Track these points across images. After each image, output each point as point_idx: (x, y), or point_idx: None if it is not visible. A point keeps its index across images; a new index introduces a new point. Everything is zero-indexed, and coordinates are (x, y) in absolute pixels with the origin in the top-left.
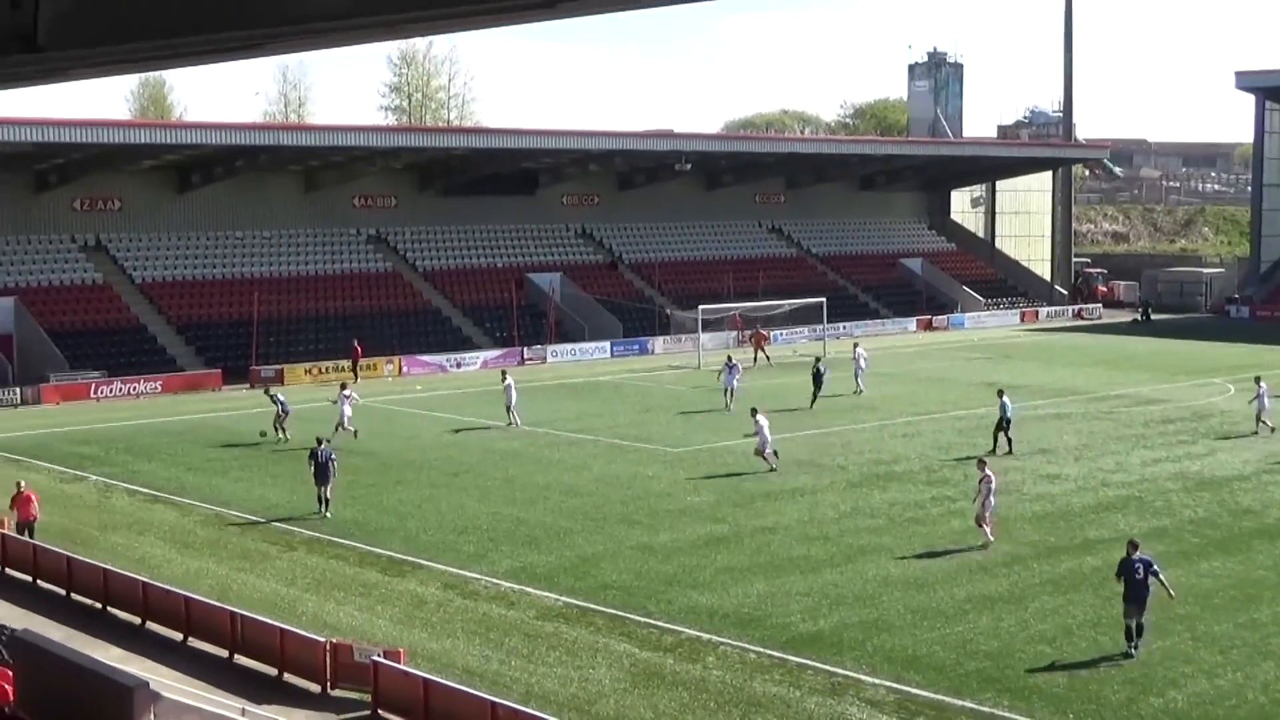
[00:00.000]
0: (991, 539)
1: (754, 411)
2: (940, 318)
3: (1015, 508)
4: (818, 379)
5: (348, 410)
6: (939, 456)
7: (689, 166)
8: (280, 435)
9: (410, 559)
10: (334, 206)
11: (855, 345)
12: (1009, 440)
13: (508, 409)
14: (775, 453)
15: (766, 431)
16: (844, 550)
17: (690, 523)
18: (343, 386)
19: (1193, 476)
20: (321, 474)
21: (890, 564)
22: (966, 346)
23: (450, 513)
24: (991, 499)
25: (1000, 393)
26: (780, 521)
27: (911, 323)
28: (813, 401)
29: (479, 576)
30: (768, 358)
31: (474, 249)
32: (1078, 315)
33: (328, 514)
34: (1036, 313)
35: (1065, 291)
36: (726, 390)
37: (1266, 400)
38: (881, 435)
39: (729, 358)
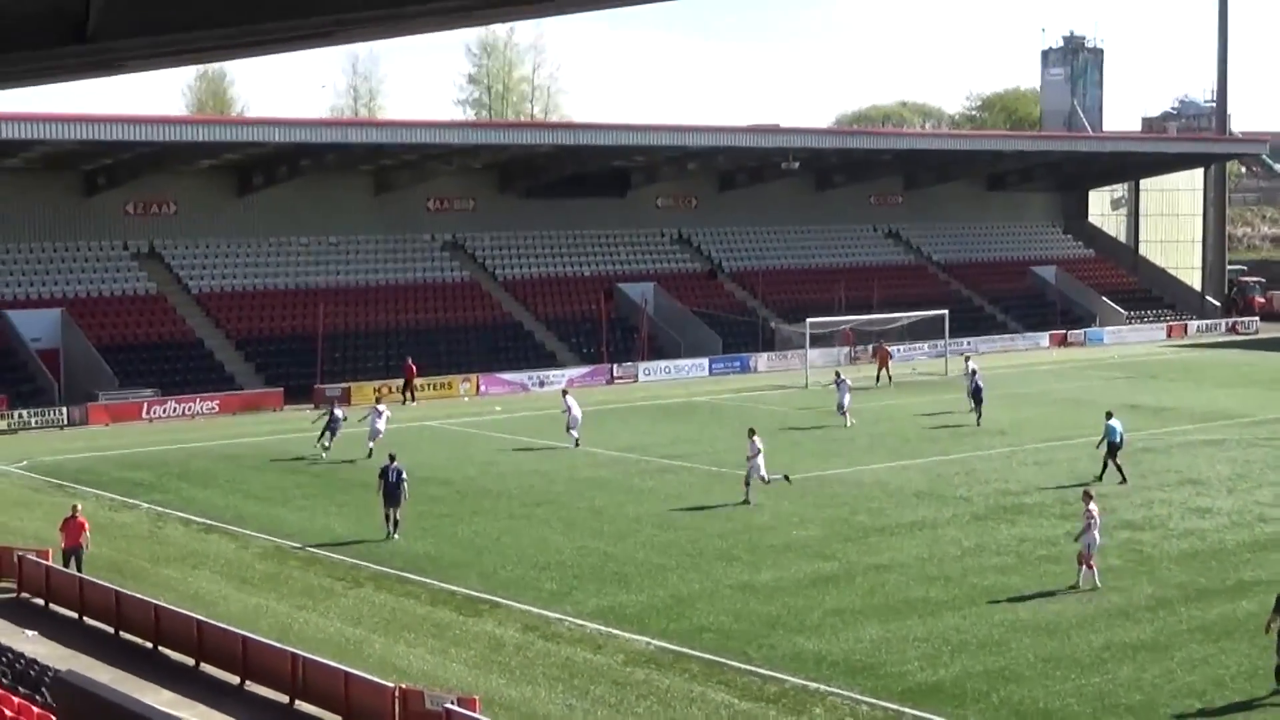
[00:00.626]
0: (1091, 582)
1: (751, 432)
2: (1076, 332)
3: (1161, 545)
4: (976, 394)
5: (380, 426)
6: (1075, 487)
7: (796, 165)
8: (323, 446)
9: (487, 597)
10: (406, 210)
11: (967, 360)
12: (1119, 468)
13: (567, 429)
14: (765, 479)
15: (760, 460)
16: (967, 591)
17: (795, 559)
18: (377, 400)
19: None
20: (390, 494)
21: (1019, 607)
22: (1106, 365)
23: (531, 547)
24: (1094, 535)
25: (1109, 415)
26: (896, 559)
27: (1044, 338)
28: (979, 418)
29: (562, 617)
30: (889, 376)
31: (559, 256)
32: (1232, 329)
33: (396, 536)
34: (1185, 327)
35: (1218, 303)
36: (841, 408)
37: None
38: (1010, 463)
39: (837, 374)
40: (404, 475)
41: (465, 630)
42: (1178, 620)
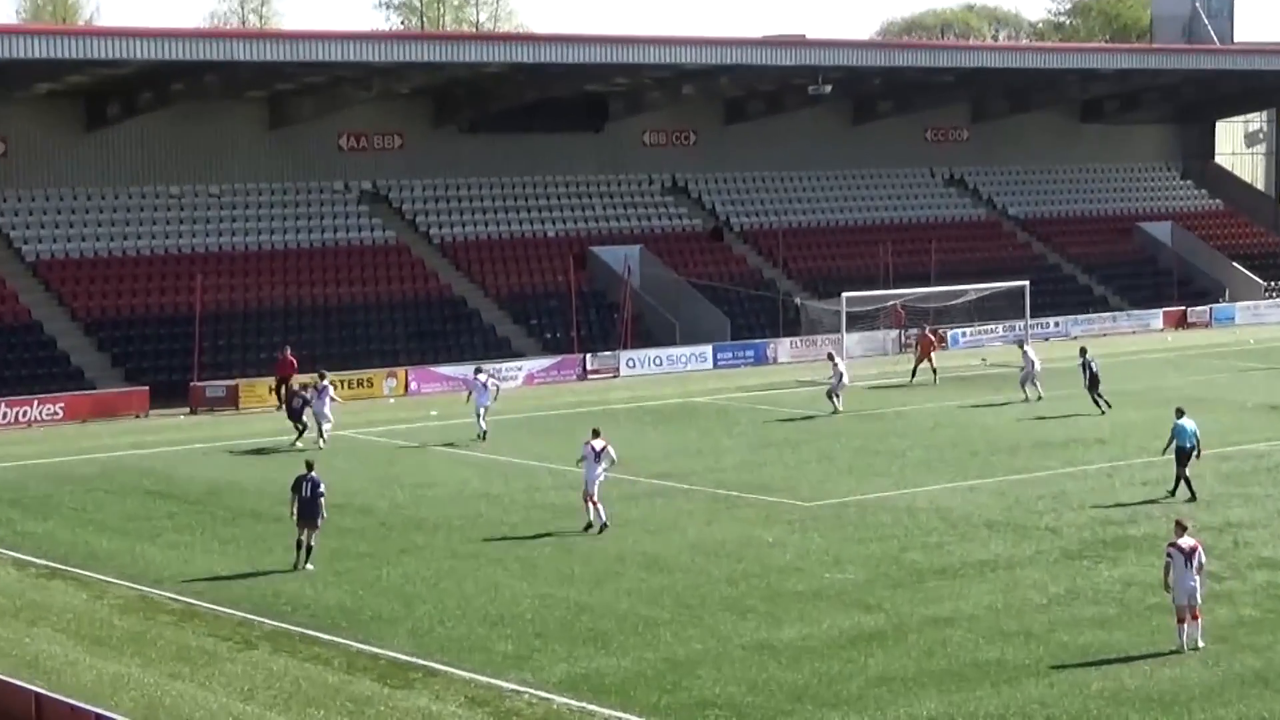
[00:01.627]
0: (1192, 641)
1: (830, 357)
2: (1199, 309)
3: None
4: (1094, 382)
5: (327, 409)
6: (1196, 514)
7: (828, 89)
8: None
9: (420, 662)
10: (311, 150)
11: (1022, 346)
12: (1188, 482)
13: (477, 415)
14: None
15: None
16: (1055, 652)
17: (829, 611)
18: (321, 376)
19: None
20: (305, 512)
21: (1124, 672)
22: (1238, 352)
23: (479, 595)
24: (1191, 580)
25: (1179, 413)
26: (961, 609)
27: (1157, 316)
28: (1102, 407)
29: (520, 688)
30: (934, 370)
31: (514, 211)
32: None
33: (308, 566)
34: None
35: None
36: (833, 393)
37: None
38: (1111, 483)
39: (830, 355)
40: (321, 488)
41: (391, 706)
42: None
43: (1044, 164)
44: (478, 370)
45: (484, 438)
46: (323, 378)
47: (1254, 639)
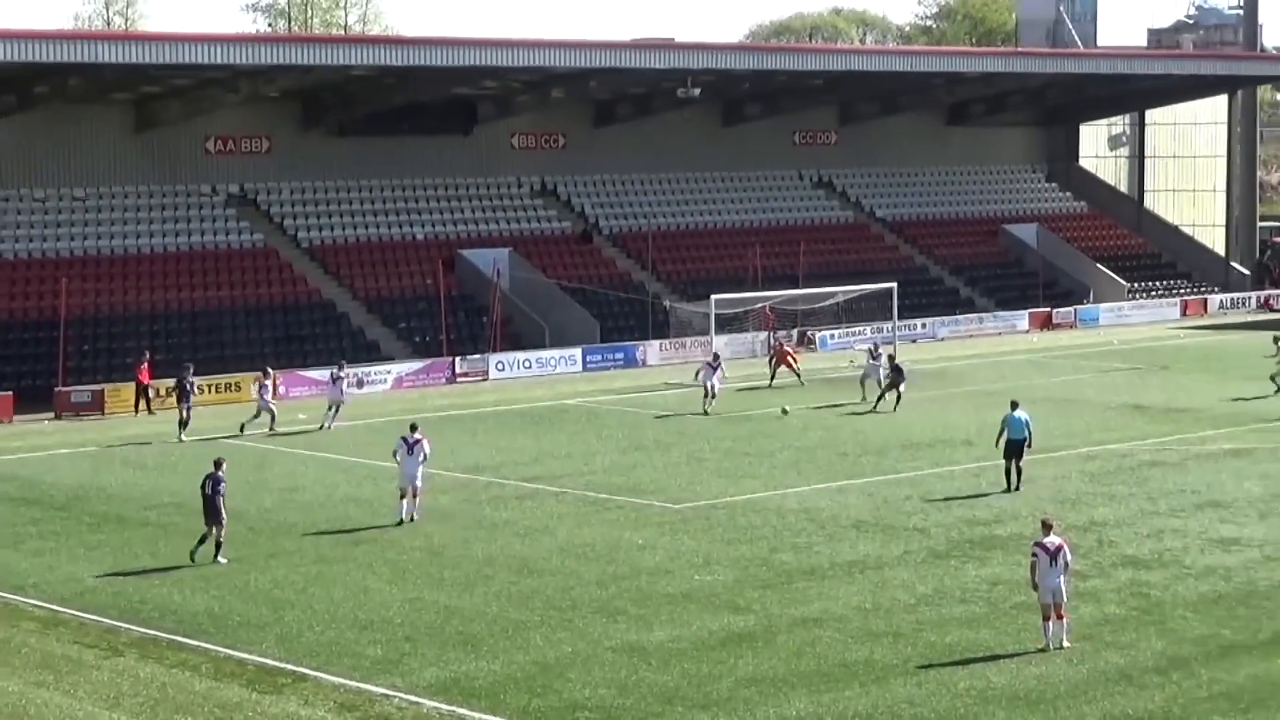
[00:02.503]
0: (1058, 639)
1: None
2: (1064, 311)
3: (1173, 588)
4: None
5: (268, 398)
6: (1063, 513)
7: (697, 93)
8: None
9: (289, 667)
10: (178, 153)
11: (878, 350)
12: (1019, 473)
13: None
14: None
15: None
16: (923, 651)
17: (699, 612)
18: (264, 374)
19: None
20: (207, 508)
21: (990, 670)
22: (1103, 353)
23: (348, 600)
24: (1056, 579)
25: (1014, 405)
26: (830, 610)
27: (1022, 318)
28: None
29: (390, 692)
30: (797, 373)
31: (383, 214)
32: (1264, 305)
33: (220, 560)
34: (1204, 302)
35: (1247, 271)
36: (709, 391)
37: None
38: (979, 482)
39: (715, 355)
40: (221, 486)
41: (260, 712)
42: (1195, 685)
43: (911, 166)
44: (339, 369)
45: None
46: (265, 374)
47: (1118, 636)
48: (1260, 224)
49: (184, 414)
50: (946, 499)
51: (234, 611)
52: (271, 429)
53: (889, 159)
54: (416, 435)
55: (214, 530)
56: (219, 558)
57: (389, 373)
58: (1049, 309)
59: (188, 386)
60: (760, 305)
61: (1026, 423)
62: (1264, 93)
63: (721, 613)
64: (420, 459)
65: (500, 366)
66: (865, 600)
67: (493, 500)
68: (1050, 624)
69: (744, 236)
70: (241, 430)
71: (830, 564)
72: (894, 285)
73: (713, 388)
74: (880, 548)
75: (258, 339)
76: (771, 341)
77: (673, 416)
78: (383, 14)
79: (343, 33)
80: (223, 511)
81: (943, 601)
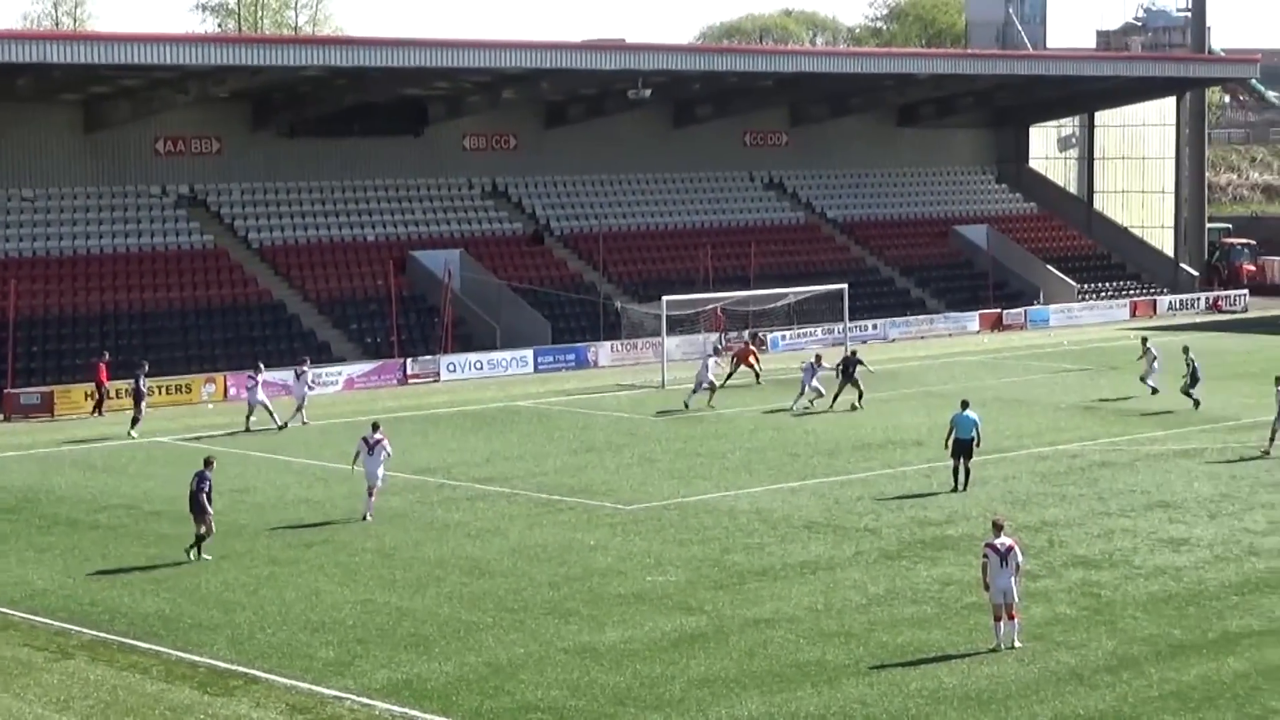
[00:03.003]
0: (1009, 639)
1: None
2: (1014, 312)
3: (1124, 588)
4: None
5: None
6: (1014, 514)
7: (648, 94)
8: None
9: (241, 669)
10: (128, 154)
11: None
12: (967, 474)
13: (299, 408)
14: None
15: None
16: (875, 652)
17: (651, 614)
18: (256, 370)
19: None
20: (190, 505)
21: (942, 671)
22: (1052, 354)
23: (300, 602)
24: (1007, 580)
25: (963, 404)
26: (782, 610)
27: (973, 319)
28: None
29: (342, 695)
30: (757, 375)
31: (333, 215)
32: (1213, 306)
33: (204, 556)
34: (1154, 304)
35: (1195, 273)
36: (700, 385)
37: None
38: (930, 483)
39: (715, 347)
40: (204, 485)
41: (211, 714)
42: (1146, 684)
43: (862, 168)
44: (303, 366)
45: (285, 426)
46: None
47: (1069, 636)
48: (1209, 225)
49: (138, 413)
50: (898, 499)
51: (185, 614)
52: (303, 420)
53: (839, 160)
54: (377, 435)
55: (199, 527)
56: (195, 554)
57: (340, 374)
58: (999, 310)
59: (141, 387)
60: (711, 306)
61: (975, 422)
62: (1212, 94)
63: (674, 613)
64: (381, 458)
65: (451, 368)
66: (817, 601)
67: (444, 502)
68: (1001, 624)
69: (695, 238)
70: (248, 429)
71: (782, 564)
72: (845, 286)
73: (708, 382)
74: (832, 548)
75: (208, 340)
76: (722, 341)
77: (629, 418)
78: (333, 15)
79: (293, 33)
80: (207, 510)
81: (894, 602)
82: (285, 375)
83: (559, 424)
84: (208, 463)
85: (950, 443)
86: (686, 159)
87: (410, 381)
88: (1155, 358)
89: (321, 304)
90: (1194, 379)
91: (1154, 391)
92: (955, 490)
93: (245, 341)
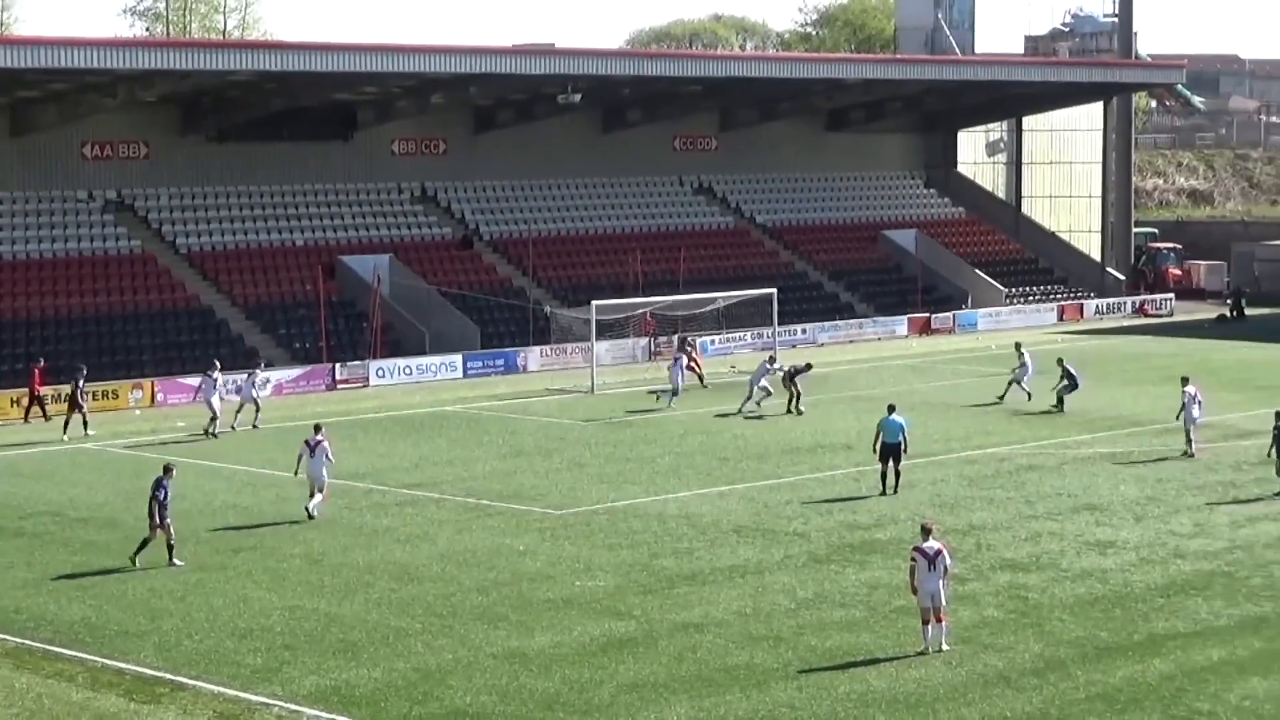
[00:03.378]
0: (937, 642)
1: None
2: (942, 316)
3: (1051, 590)
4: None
5: (215, 399)
6: (941, 517)
7: (578, 99)
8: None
9: (168, 676)
10: (54, 159)
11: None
12: (896, 477)
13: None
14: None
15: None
16: (804, 655)
17: (580, 618)
18: (250, 373)
19: None
20: (149, 510)
21: (871, 674)
22: (981, 358)
23: (227, 608)
24: (935, 583)
25: (890, 408)
26: (711, 615)
27: (901, 323)
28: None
29: (270, 701)
30: (700, 379)
31: (262, 220)
32: (1140, 310)
33: (175, 562)
34: (1081, 308)
35: (1122, 277)
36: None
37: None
38: (858, 487)
39: (683, 340)
40: (160, 493)
41: None
42: (1072, 687)
43: (791, 172)
44: (257, 369)
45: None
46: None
47: (996, 639)
48: (1135, 230)
49: (70, 416)
50: (827, 503)
51: (111, 621)
52: (255, 423)
53: (769, 165)
54: (318, 436)
55: (156, 534)
56: (174, 560)
57: (268, 379)
58: (928, 314)
59: (80, 394)
60: (641, 311)
61: (903, 426)
62: (1139, 99)
63: (603, 618)
64: (323, 459)
65: (381, 373)
66: (746, 605)
67: (373, 507)
68: (929, 627)
69: (624, 242)
70: (252, 427)
71: (711, 569)
72: (774, 291)
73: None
74: (761, 552)
75: (135, 346)
76: (653, 346)
77: (559, 423)
78: (262, 19)
79: (221, 38)
80: (166, 516)
81: (823, 605)
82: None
83: (488, 429)
84: (167, 470)
85: (878, 447)
86: (616, 164)
87: (339, 387)
88: (1027, 364)
89: (250, 309)
90: (1072, 384)
91: (1029, 397)
92: (884, 494)
93: (173, 347)
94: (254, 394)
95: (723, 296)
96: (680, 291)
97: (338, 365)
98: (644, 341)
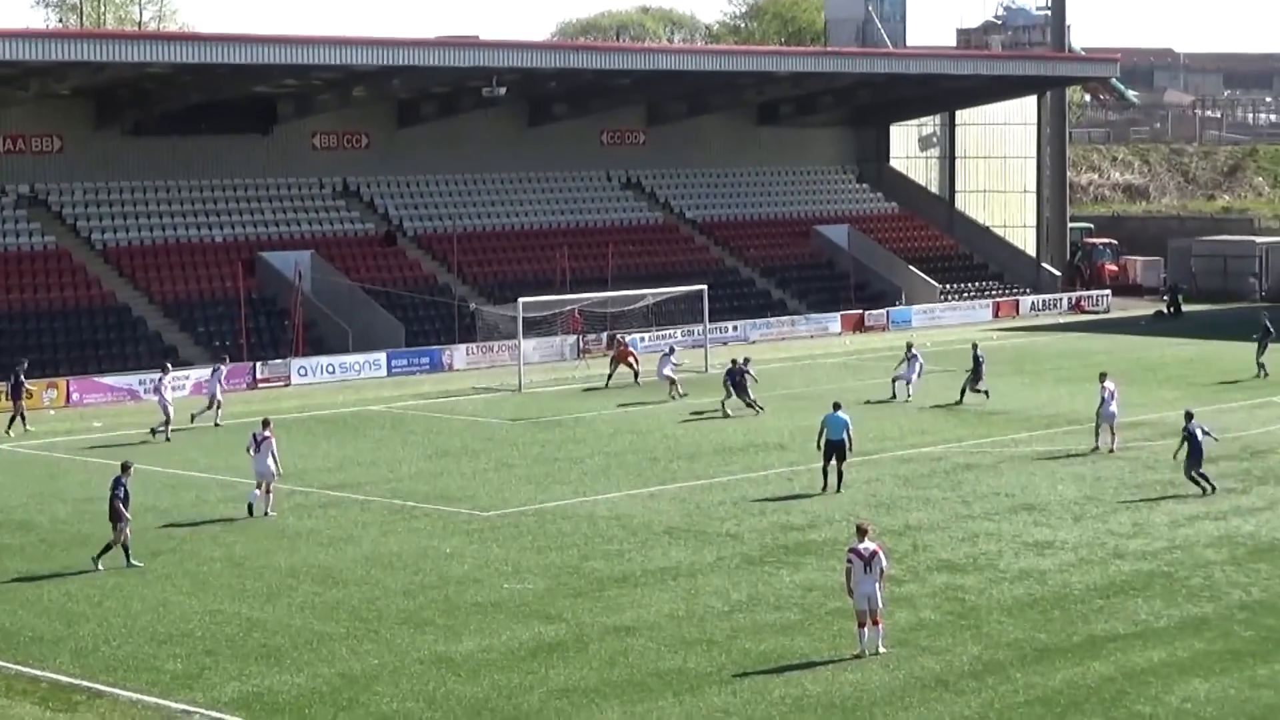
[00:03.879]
0: (873, 645)
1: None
2: (876, 313)
3: (989, 591)
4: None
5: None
6: (877, 518)
7: (503, 92)
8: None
9: (84, 683)
10: None
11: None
12: (839, 475)
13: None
14: None
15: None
16: (738, 659)
17: (509, 622)
18: (216, 369)
19: (1245, 541)
20: (111, 511)
21: (806, 678)
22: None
23: (146, 613)
24: (871, 585)
25: (836, 405)
26: (643, 618)
27: (834, 320)
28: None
29: (190, 708)
30: (636, 375)
31: (180, 215)
32: (1076, 307)
33: (133, 564)
34: (1016, 304)
35: (1058, 273)
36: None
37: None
38: (791, 486)
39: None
40: (118, 490)
41: None
42: (1012, 689)
43: (721, 167)
44: (217, 364)
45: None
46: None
47: (933, 641)
48: (1071, 225)
49: (18, 410)
50: (760, 503)
51: (25, 627)
52: (216, 420)
53: (698, 159)
54: (265, 432)
55: (123, 535)
56: (131, 562)
57: (187, 378)
58: (861, 311)
59: (19, 384)
60: (569, 308)
61: (847, 423)
62: (1073, 94)
63: (532, 622)
64: (269, 454)
65: (302, 372)
66: (678, 608)
67: (295, 509)
68: (866, 630)
69: (551, 238)
70: (216, 424)
71: (642, 571)
72: (704, 287)
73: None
74: (693, 554)
75: (50, 344)
76: (581, 344)
77: (486, 422)
78: (178, 10)
79: (137, 29)
80: (124, 513)
81: (757, 608)
82: (126, 380)
83: (413, 429)
84: (125, 467)
85: (821, 443)
86: (542, 158)
87: (260, 386)
88: (919, 360)
89: (168, 307)
90: (976, 375)
91: (908, 399)
92: (824, 491)
93: (89, 345)
94: (216, 389)
95: (652, 293)
96: (609, 288)
97: (258, 364)
98: (572, 339)
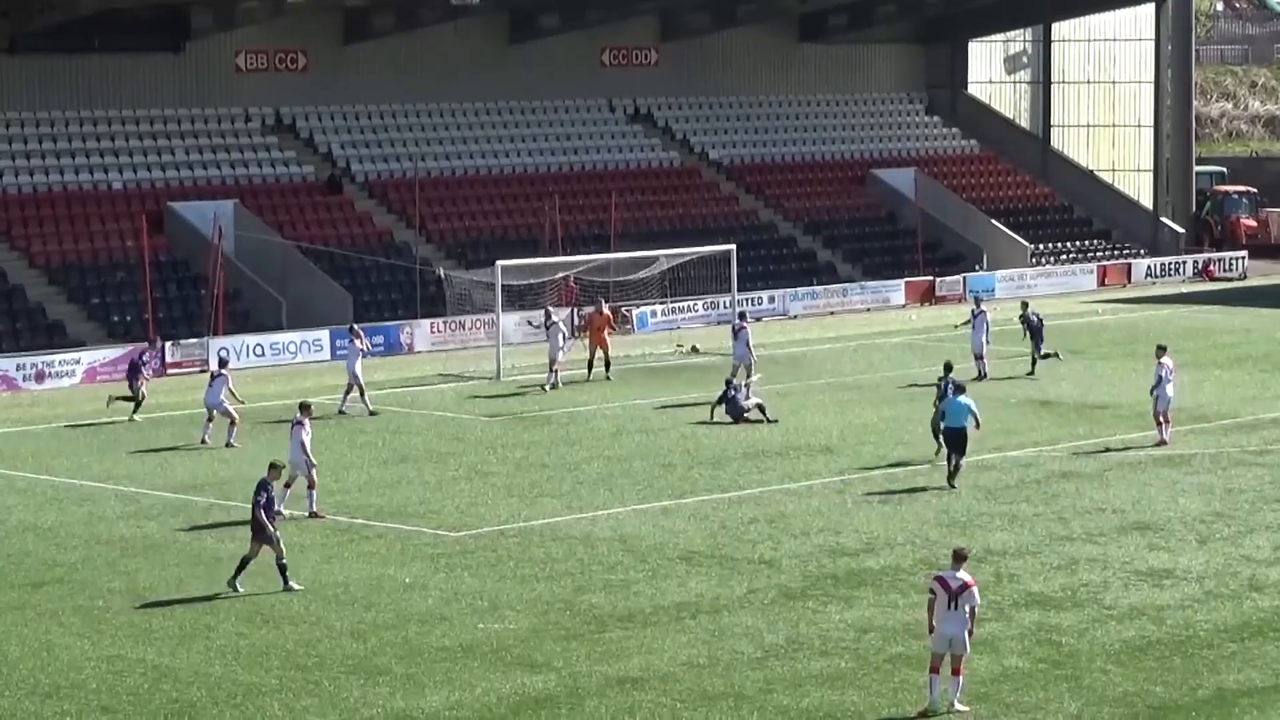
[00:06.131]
0: (947, 699)
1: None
2: (950, 279)
3: (1091, 633)
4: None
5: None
6: (951, 539)
7: (477, 0)
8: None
9: None
10: None
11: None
12: (956, 469)
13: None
14: None
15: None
16: (772, 718)
17: (485, 672)
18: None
19: None
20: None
21: None
22: (999, 334)
23: (27, 659)
24: (959, 628)
25: (959, 389)
26: (654, 666)
27: (898, 289)
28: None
29: None
30: (607, 364)
31: (67, 156)
32: (1203, 272)
33: (293, 585)
34: (1127, 269)
35: (1181, 230)
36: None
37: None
38: (842, 500)
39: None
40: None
41: None
42: None
43: (754, 95)
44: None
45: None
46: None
47: (1021, 696)
48: (1197, 169)
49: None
50: (803, 522)
51: None
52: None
53: (725, 86)
54: (301, 416)
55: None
56: (288, 583)
57: (77, 362)
58: (931, 278)
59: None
60: (561, 274)
61: (971, 409)
62: (1200, 1)
63: (514, 671)
64: (299, 444)
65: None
66: (698, 654)
67: (215, 528)
68: (938, 680)
69: (539, 185)
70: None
71: (653, 607)
72: (733, 248)
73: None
74: (717, 586)
75: None
76: (576, 319)
77: (455, 418)
78: None
79: None
80: (268, 526)
81: (798, 654)
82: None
83: (364, 427)
84: (271, 467)
85: (941, 434)
86: (527, 83)
87: (170, 372)
88: (986, 320)
89: (53, 272)
90: (1036, 339)
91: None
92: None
93: None
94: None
95: (666, 255)
96: (612, 249)
97: (168, 344)
98: (565, 313)
